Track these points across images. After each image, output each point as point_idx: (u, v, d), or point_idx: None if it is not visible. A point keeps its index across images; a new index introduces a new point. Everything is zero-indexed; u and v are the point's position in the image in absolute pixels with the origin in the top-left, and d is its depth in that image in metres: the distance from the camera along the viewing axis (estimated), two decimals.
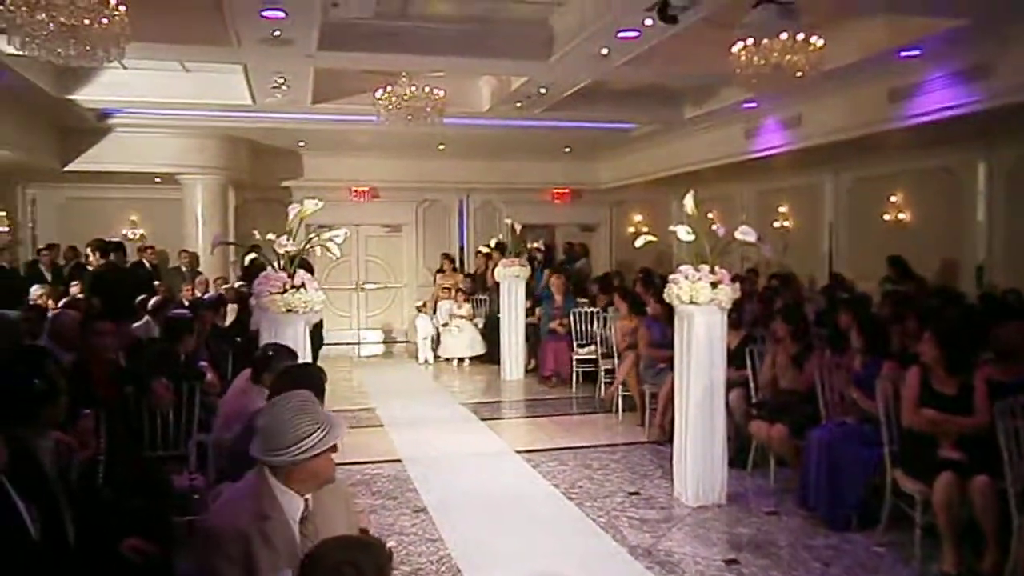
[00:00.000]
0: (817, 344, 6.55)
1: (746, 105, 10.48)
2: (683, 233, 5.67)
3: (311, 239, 5.45)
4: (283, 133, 12.70)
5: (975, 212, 9.92)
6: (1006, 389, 4.65)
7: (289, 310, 5.15)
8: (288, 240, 5.17)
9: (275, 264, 5.44)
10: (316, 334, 7.82)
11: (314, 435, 2.51)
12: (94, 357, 4.97)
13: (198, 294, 10.69)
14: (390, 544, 5.26)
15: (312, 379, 3.36)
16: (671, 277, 5.94)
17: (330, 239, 5.35)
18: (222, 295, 8.17)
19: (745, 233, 5.69)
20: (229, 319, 8.69)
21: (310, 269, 6.29)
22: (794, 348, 6.30)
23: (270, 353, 4.23)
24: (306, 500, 2.60)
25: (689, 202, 5.89)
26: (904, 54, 7.92)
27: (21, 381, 3.10)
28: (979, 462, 4.51)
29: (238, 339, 6.85)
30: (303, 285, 5.18)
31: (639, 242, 6.21)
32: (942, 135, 9.23)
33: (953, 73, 8.03)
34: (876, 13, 7.46)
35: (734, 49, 7.29)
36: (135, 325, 7.36)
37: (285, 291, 5.14)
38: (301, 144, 13.91)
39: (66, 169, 12.15)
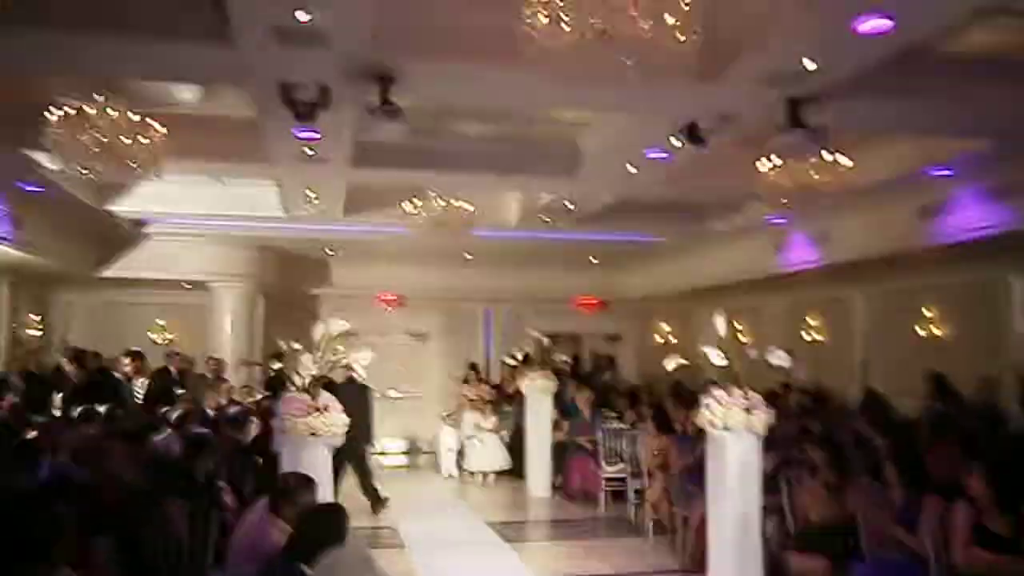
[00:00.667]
0: (856, 470, 6.28)
1: (774, 220, 10.48)
2: (715, 357, 5.55)
3: (336, 360, 5.37)
4: (312, 242, 12.88)
5: (1011, 326, 9.68)
6: None
7: (312, 433, 5.03)
8: (313, 362, 5.10)
9: (297, 383, 5.37)
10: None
11: None
12: (108, 479, 4.86)
13: (223, 402, 10.61)
14: None
15: (336, 525, 3.26)
16: (704, 401, 5.79)
17: (356, 361, 5.29)
18: (248, 410, 8.04)
19: (779, 358, 5.56)
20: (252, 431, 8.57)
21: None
22: (831, 477, 6.03)
23: (290, 484, 4.09)
24: None
25: (720, 324, 5.80)
26: (934, 173, 7.92)
27: (26, 523, 2.99)
28: None
29: (259, 457, 6.72)
30: (327, 408, 5.08)
31: (670, 365, 6.08)
32: (973, 252, 9.11)
33: (982, 192, 8.00)
34: (902, 133, 7.50)
35: (761, 168, 7.33)
36: (158, 438, 7.27)
37: (308, 414, 5.03)
38: (330, 253, 14.08)
39: (101, 276, 12.35)
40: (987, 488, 4.60)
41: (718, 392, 5.67)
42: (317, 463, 5.07)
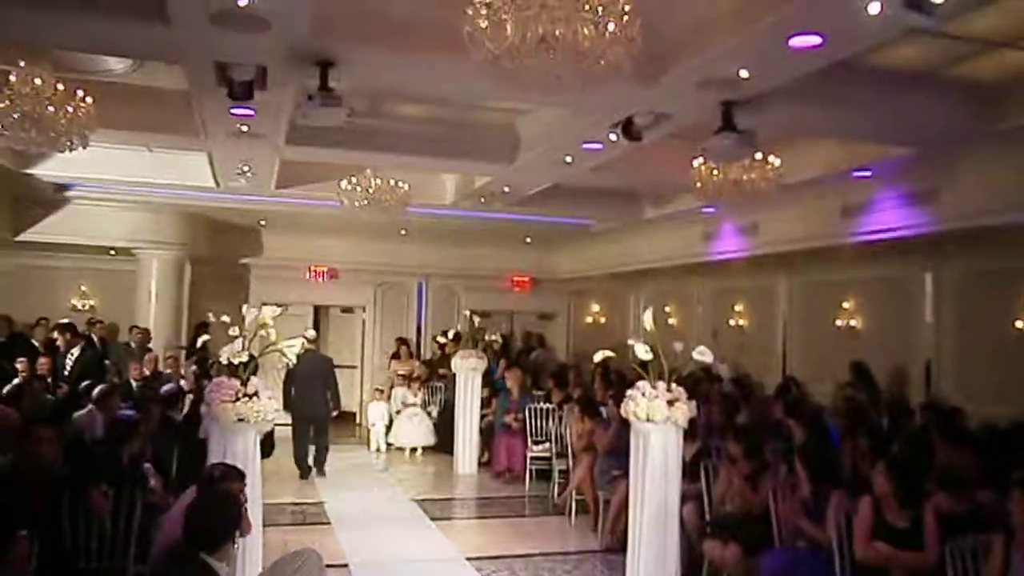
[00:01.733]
0: (772, 460, 6.56)
1: (705, 209, 10.72)
2: (641, 351, 5.70)
3: (268, 345, 5.33)
4: (244, 212, 12.65)
5: (923, 320, 10.15)
6: (957, 521, 4.69)
7: (240, 419, 5.02)
8: (241, 348, 5.06)
9: (225, 364, 5.30)
10: (267, 441, 7.66)
11: None
12: (32, 464, 4.77)
13: (147, 372, 10.44)
14: None
15: (231, 507, 3.32)
16: (628, 393, 5.94)
17: (287, 348, 5.28)
18: (181, 389, 7.90)
19: (702, 353, 5.74)
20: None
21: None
22: (748, 468, 6.29)
23: (217, 475, 4.09)
24: None
25: (648, 319, 5.96)
26: (857, 174, 8.23)
27: None
28: None
29: (187, 438, 6.65)
30: (256, 394, 5.06)
31: (598, 358, 6.23)
32: (891, 249, 9.50)
33: (902, 196, 8.35)
34: (830, 137, 7.75)
35: (695, 163, 7.52)
36: (77, 415, 7.13)
37: (237, 399, 5.01)
38: (262, 223, 13.85)
39: (18, 239, 11.91)
40: (890, 484, 4.88)
41: (642, 384, 5.83)
42: (245, 449, 5.06)
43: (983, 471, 5.42)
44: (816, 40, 4.76)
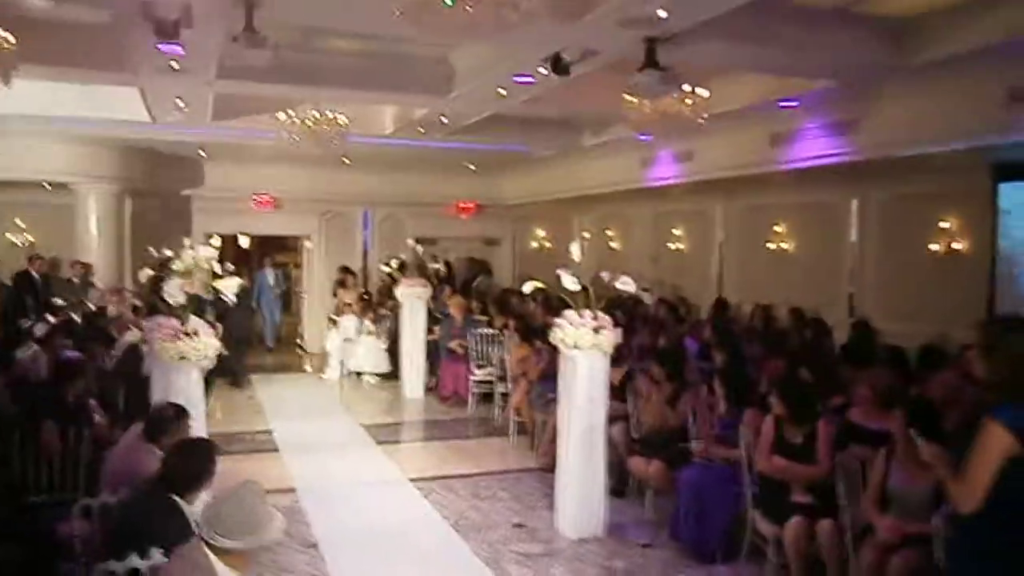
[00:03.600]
0: (696, 379, 6.96)
1: (641, 137, 10.88)
2: (568, 283, 5.96)
3: (206, 286, 5.49)
4: (183, 144, 12.48)
5: (848, 243, 10.60)
6: (867, 434, 5.10)
7: (182, 357, 5.20)
8: (178, 289, 5.21)
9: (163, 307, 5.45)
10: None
11: (271, 526, 2.87)
12: None
13: (111, 308, 10.44)
14: None
15: (205, 458, 3.52)
16: (556, 321, 6.24)
17: (225, 289, 5.43)
18: (136, 347, 7.90)
19: (625, 283, 6.04)
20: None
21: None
22: (670, 389, 6.68)
23: (170, 415, 4.30)
24: None
25: (575, 251, 6.22)
26: (783, 104, 8.47)
27: None
28: (825, 506, 4.96)
29: (132, 375, 6.80)
30: (196, 332, 5.24)
31: (527, 288, 6.49)
32: (818, 176, 9.84)
33: (826, 125, 8.65)
34: (758, 72, 7.95)
35: (626, 96, 7.68)
36: (20, 354, 7.22)
37: (178, 338, 5.19)
38: (202, 153, 13.69)
39: None
40: (783, 407, 5.30)
41: (570, 313, 6.13)
42: (188, 387, 5.26)
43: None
44: None
